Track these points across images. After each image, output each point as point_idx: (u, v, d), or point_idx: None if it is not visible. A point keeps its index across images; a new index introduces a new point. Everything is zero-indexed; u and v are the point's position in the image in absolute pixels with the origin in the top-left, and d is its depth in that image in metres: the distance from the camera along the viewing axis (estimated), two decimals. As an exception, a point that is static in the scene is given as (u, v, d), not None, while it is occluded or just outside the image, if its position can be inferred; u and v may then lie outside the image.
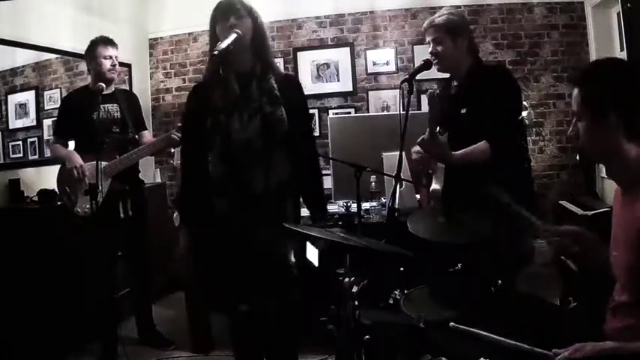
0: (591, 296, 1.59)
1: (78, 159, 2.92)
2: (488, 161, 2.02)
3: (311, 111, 4.33)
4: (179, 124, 3.06)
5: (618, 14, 3.97)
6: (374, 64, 4.76)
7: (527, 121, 3.97)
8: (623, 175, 1.42)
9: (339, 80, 4.80)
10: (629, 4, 3.45)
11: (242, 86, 2.02)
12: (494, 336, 1.37)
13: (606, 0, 4.13)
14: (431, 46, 2.22)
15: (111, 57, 3.05)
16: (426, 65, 2.18)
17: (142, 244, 3.20)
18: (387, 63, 4.74)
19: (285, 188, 2.05)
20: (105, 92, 2.97)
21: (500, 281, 1.71)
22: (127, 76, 4.68)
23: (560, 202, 4.02)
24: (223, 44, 1.87)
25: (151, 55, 5.12)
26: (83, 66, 3.48)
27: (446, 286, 1.86)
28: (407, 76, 2.01)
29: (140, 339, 3.26)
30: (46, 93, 3.75)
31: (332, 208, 2.98)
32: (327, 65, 4.81)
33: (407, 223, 1.87)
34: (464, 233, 1.83)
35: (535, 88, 4.54)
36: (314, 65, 4.82)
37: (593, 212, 3.36)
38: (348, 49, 4.78)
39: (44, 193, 3.21)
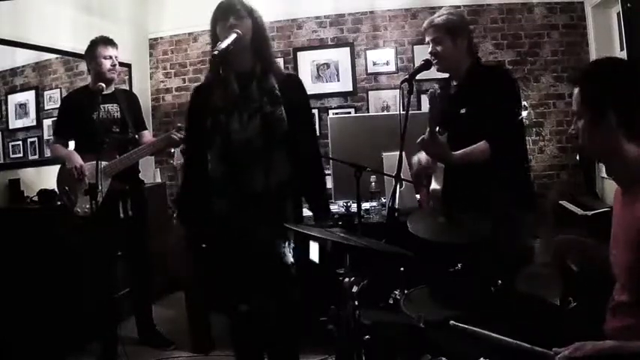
0: (591, 296, 1.59)
1: (78, 159, 2.92)
2: (487, 161, 2.01)
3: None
4: (179, 124, 3.06)
5: (618, 14, 3.97)
6: (374, 64, 4.76)
7: (527, 121, 3.97)
8: (623, 175, 1.42)
9: (339, 80, 4.80)
10: (629, 4, 3.45)
11: (242, 86, 2.02)
12: (494, 334, 1.37)
13: (606, 0, 4.13)
14: (430, 46, 2.22)
15: (111, 57, 3.05)
16: (426, 65, 2.18)
17: (141, 244, 3.19)
18: (387, 63, 4.74)
19: (285, 188, 2.05)
20: (105, 92, 2.97)
21: (500, 281, 1.71)
22: (127, 76, 4.68)
23: (560, 202, 4.04)
24: (223, 44, 1.88)
25: (150, 55, 5.12)
26: (83, 66, 3.48)
27: (446, 286, 1.86)
28: (407, 76, 2.00)
29: (140, 339, 3.26)
30: (46, 93, 3.75)
31: (332, 208, 2.96)
32: (327, 65, 4.81)
33: (407, 223, 1.87)
34: (464, 233, 1.83)
35: (535, 88, 4.54)
36: (314, 65, 4.82)
37: (593, 212, 3.37)
38: (348, 49, 4.78)
39: (44, 193, 3.21)
